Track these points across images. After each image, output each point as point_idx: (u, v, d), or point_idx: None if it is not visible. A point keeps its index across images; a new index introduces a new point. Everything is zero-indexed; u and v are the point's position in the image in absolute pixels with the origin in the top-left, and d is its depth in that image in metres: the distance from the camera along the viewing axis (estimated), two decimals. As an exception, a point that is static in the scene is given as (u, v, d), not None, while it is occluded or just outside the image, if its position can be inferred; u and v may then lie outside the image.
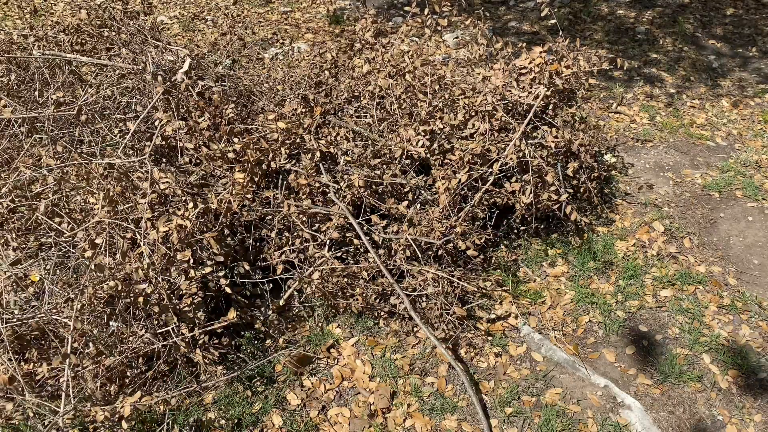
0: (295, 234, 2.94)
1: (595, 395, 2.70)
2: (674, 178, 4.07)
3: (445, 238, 2.90)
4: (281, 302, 2.99)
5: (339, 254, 2.99)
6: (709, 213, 3.77)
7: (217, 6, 6.54)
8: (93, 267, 2.41)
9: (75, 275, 2.68)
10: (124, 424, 2.27)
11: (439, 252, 3.02)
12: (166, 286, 2.54)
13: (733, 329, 3.01)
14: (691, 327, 3.01)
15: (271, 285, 2.98)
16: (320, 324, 3.01)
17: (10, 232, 2.67)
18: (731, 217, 3.74)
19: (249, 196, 2.87)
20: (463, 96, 3.24)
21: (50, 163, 2.69)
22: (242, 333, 2.87)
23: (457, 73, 3.50)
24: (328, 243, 2.92)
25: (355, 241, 2.98)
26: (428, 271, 2.83)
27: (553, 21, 6.05)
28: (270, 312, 3.01)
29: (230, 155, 2.92)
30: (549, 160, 3.24)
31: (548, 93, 3.27)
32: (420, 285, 2.86)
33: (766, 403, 2.69)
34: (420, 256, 2.89)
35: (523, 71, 3.35)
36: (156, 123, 2.92)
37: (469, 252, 2.93)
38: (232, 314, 2.58)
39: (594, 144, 3.48)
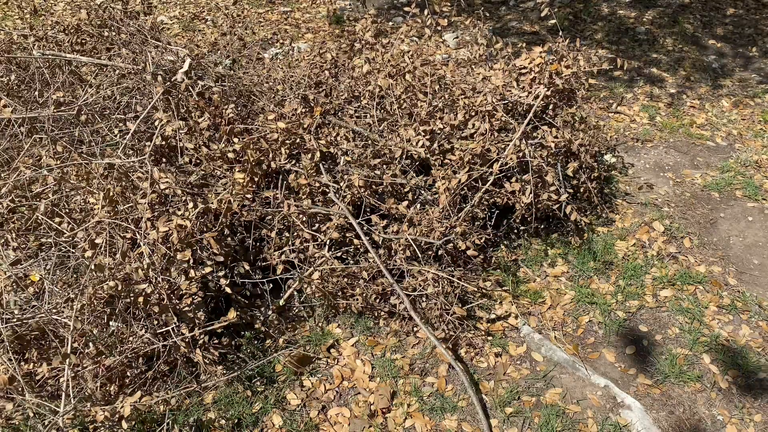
0: (295, 234, 2.94)
1: (595, 395, 2.70)
2: (674, 178, 4.07)
3: (445, 238, 2.90)
4: (281, 302, 2.99)
5: (339, 254, 2.99)
6: (709, 213, 3.77)
7: (217, 6, 6.54)
8: (93, 267, 2.41)
9: (75, 275, 2.68)
10: (124, 424, 2.27)
11: (439, 252, 3.02)
12: (166, 286, 2.54)
13: (733, 329, 3.01)
14: (691, 327, 3.01)
15: (271, 285, 2.98)
16: (320, 324, 3.01)
17: (10, 232, 2.67)
18: (731, 217, 3.74)
19: (249, 196, 2.87)
20: (463, 96, 3.24)
21: (50, 163, 2.69)
22: (242, 333, 2.87)
23: (457, 73, 3.50)
24: (328, 243, 2.92)
25: (355, 241, 2.98)
26: (428, 271, 2.83)
27: (553, 21, 6.05)
28: (270, 312, 3.01)
29: (230, 155, 2.92)
30: (549, 160, 3.24)
31: (548, 93, 3.27)
32: (420, 285, 2.86)
33: (766, 403, 2.69)
34: (420, 256, 2.89)
35: (523, 71, 3.35)
36: (156, 123, 2.92)
37: (469, 252, 2.93)
38: (232, 314, 2.58)
39: (594, 144, 3.48)
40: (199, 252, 2.70)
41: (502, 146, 3.12)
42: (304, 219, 2.93)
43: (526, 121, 3.11)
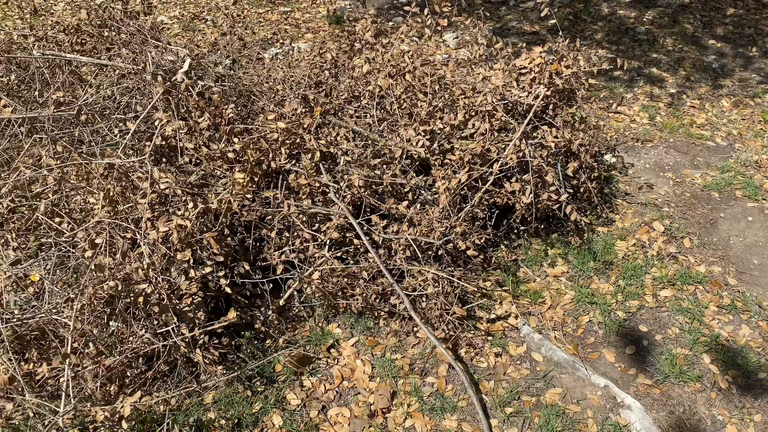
0: (295, 234, 2.94)
1: (595, 395, 2.70)
2: (674, 178, 4.07)
3: (445, 238, 2.90)
4: (281, 302, 2.99)
5: (339, 254, 2.99)
6: (709, 213, 3.77)
7: (217, 6, 6.54)
8: (93, 267, 2.41)
9: (75, 275, 2.68)
10: (124, 424, 2.27)
11: (439, 252, 3.02)
12: (166, 286, 2.54)
13: (733, 329, 3.01)
14: (691, 327, 3.01)
15: (271, 285, 2.98)
16: (320, 324, 3.01)
17: (10, 232, 2.67)
18: (731, 217, 3.74)
19: (249, 196, 2.87)
20: (463, 96, 3.24)
21: (50, 163, 2.69)
22: (242, 333, 2.87)
23: (457, 73, 3.50)
24: (328, 243, 2.92)
25: (355, 241, 2.98)
26: (428, 271, 2.83)
27: (553, 21, 6.05)
28: (270, 312, 3.01)
29: (230, 155, 2.92)
30: (549, 160, 3.24)
31: (548, 93, 3.27)
32: (420, 285, 2.86)
33: (766, 403, 2.69)
34: (420, 256, 2.89)
35: (523, 71, 3.35)
36: (156, 123, 2.92)
37: (469, 252, 2.93)
38: (232, 314, 2.58)
39: (594, 144, 3.48)
40: (199, 252, 2.70)
41: (502, 146, 3.12)
42: (304, 219, 2.93)
43: (526, 121, 3.11)
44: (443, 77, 3.38)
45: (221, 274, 2.74)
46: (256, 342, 2.88)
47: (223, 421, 2.55)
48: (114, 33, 3.59)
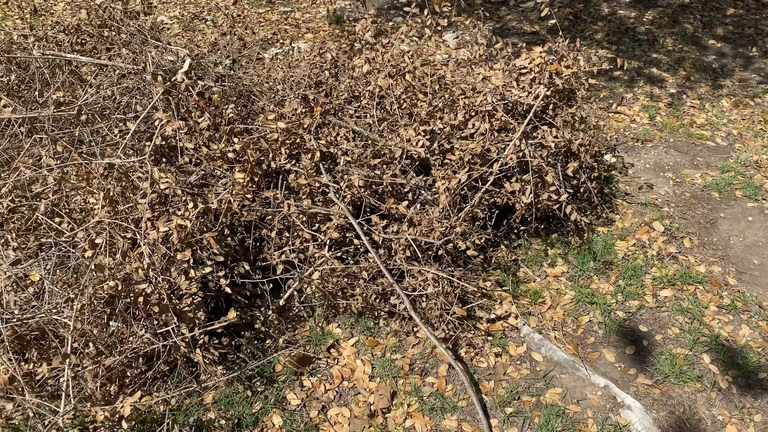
0: (295, 234, 2.94)
1: (595, 395, 2.70)
2: (674, 178, 4.07)
3: (445, 238, 2.90)
4: (281, 302, 2.99)
5: (339, 254, 2.99)
6: (709, 213, 3.77)
7: (217, 6, 6.54)
8: (93, 267, 2.41)
9: (75, 275, 2.68)
10: (124, 424, 2.27)
11: (439, 252, 3.02)
12: (166, 286, 2.54)
13: (733, 329, 3.01)
14: (691, 327, 3.01)
15: (271, 285, 2.98)
16: (320, 324, 3.01)
17: (10, 232, 2.67)
18: (731, 217, 3.74)
19: (249, 196, 2.87)
20: (463, 96, 3.24)
21: (50, 163, 2.69)
22: (242, 333, 2.87)
23: (457, 73, 3.50)
24: (328, 243, 2.92)
25: (355, 241, 2.98)
26: (428, 271, 2.83)
27: (553, 21, 6.05)
28: (270, 312, 3.01)
29: (230, 155, 2.92)
30: (549, 160, 3.24)
31: (548, 93, 3.27)
32: (420, 285, 2.86)
33: (766, 403, 2.69)
34: (420, 256, 2.89)
35: (523, 71, 3.35)
36: (156, 123, 2.92)
37: (469, 252, 2.93)
38: (232, 314, 2.58)
39: (594, 144, 3.48)
40: (199, 252, 2.70)
41: (502, 146, 3.12)
42: (304, 219, 2.93)
43: (526, 121, 3.11)
44: (443, 77, 3.37)
45: (221, 274, 2.74)
46: (256, 342, 2.88)
47: (223, 421, 2.55)
48: (114, 33, 3.58)
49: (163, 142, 2.95)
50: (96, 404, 2.33)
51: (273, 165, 2.99)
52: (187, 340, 2.56)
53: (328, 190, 3.01)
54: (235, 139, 2.98)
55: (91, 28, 3.59)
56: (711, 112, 4.81)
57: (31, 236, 2.73)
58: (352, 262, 3.03)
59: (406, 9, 3.81)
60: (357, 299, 2.90)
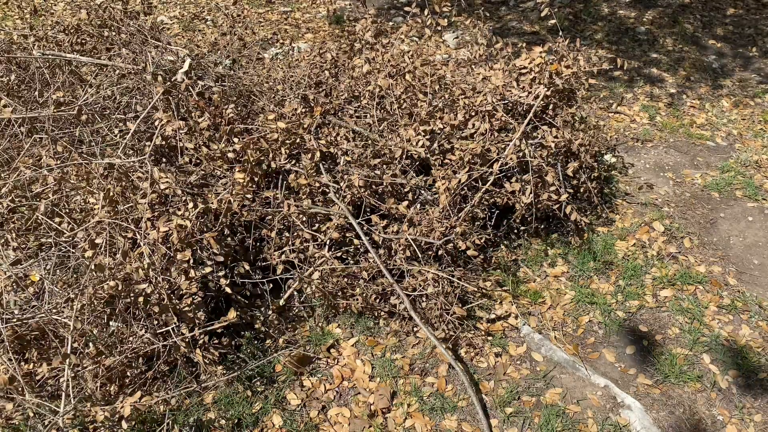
0: (295, 234, 2.94)
1: (595, 395, 2.70)
2: (674, 178, 4.07)
3: (445, 238, 2.90)
4: (281, 302, 2.99)
5: (339, 254, 2.99)
6: (709, 213, 3.77)
7: (217, 6, 6.54)
8: (93, 267, 2.41)
9: (75, 275, 2.68)
10: (124, 424, 2.28)
11: (439, 252, 3.02)
12: (166, 286, 2.54)
13: (733, 329, 3.01)
14: (691, 327, 3.01)
15: (271, 285, 2.98)
16: (320, 324, 3.01)
17: (10, 232, 2.67)
18: (731, 217, 3.74)
19: (249, 196, 2.87)
20: (463, 96, 3.24)
21: (50, 163, 2.69)
22: (242, 333, 2.87)
23: (457, 73, 3.50)
24: (328, 243, 2.92)
25: (355, 241, 2.98)
26: (428, 271, 2.83)
27: (553, 21, 6.05)
28: (270, 312, 3.01)
29: (230, 155, 2.92)
30: (549, 160, 3.24)
31: (548, 93, 3.27)
32: (420, 285, 2.86)
33: (766, 403, 2.69)
34: (420, 256, 2.89)
35: (523, 71, 3.35)
36: (156, 123, 2.92)
37: (469, 252, 2.93)
38: (232, 314, 2.58)
39: (594, 144, 3.48)
40: (199, 252, 2.70)
41: (502, 146, 3.12)
42: (304, 219, 2.93)
43: (526, 121, 3.11)
44: (443, 77, 3.37)
45: (221, 274, 2.74)
46: (256, 342, 2.88)
47: (223, 421, 2.55)
48: (114, 33, 3.58)
49: (163, 142, 2.95)
50: (96, 404, 2.33)
51: (273, 165, 2.99)
52: (187, 340, 2.56)
53: (328, 190, 3.01)
54: (235, 139, 2.98)
55: (91, 28, 3.59)
56: (711, 112, 4.81)
57: (31, 236, 2.73)
58: (352, 262, 3.03)
59: (406, 9, 3.81)
60: (357, 299, 2.90)
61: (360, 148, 3.10)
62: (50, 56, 3.35)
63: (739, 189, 3.95)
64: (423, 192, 3.12)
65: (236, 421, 2.56)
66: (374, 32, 3.66)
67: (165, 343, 2.55)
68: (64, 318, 2.45)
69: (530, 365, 2.85)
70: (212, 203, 2.73)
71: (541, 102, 3.24)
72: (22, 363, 2.49)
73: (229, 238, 2.89)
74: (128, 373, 2.60)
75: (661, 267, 3.33)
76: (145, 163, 2.72)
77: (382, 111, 3.29)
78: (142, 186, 2.68)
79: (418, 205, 3.07)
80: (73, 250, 2.70)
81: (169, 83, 2.96)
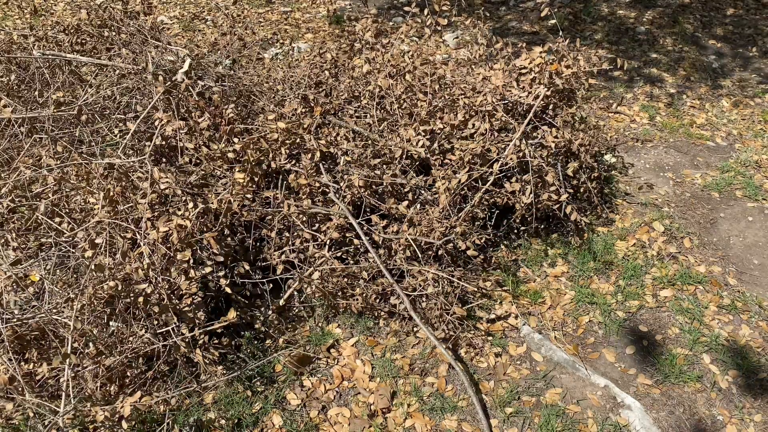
0: (295, 234, 2.94)
1: (595, 395, 2.70)
2: (674, 178, 4.07)
3: (445, 238, 2.90)
4: (281, 302, 2.99)
5: (339, 254, 2.99)
6: (709, 213, 3.77)
7: (217, 6, 6.54)
8: (93, 267, 2.41)
9: (75, 275, 2.68)
10: (124, 424, 2.28)
11: (439, 252, 3.02)
12: (166, 286, 2.54)
13: (733, 329, 3.01)
14: (691, 327, 3.01)
15: (271, 285, 2.98)
16: (320, 324, 3.01)
17: (10, 232, 2.67)
18: (731, 217, 3.74)
19: (249, 196, 2.87)
20: (463, 96, 3.24)
21: (50, 163, 2.69)
22: (242, 333, 2.87)
23: (457, 73, 3.50)
24: (328, 243, 2.92)
25: (355, 241, 2.98)
26: (428, 271, 2.83)
27: (553, 21, 6.05)
28: (270, 312, 3.01)
29: (230, 155, 2.92)
30: (549, 160, 3.24)
31: (548, 93, 3.27)
32: (420, 285, 2.86)
33: (766, 403, 2.69)
34: (420, 256, 2.89)
35: (523, 71, 3.35)
36: (156, 123, 2.92)
37: (469, 252, 2.93)
38: (232, 314, 2.58)
39: (594, 144, 3.48)
40: (199, 252, 2.70)
41: (502, 146, 3.12)
42: (304, 219, 2.93)
43: (526, 121, 3.11)
44: (443, 77, 3.38)
45: (221, 274, 2.74)
46: (256, 342, 2.88)
47: (223, 421, 2.55)
48: (114, 33, 3.58)
49: (163, 142, 2.95)
50: (96, 404, 2.33)
51: (273, 165, 2.99)
52: (187, 340, 2.56)
53: (328, 190, 3.01)
54: (235, 139, 2.98)
55: (91, 28, 3.59)
56: (711, 112, 4.81)
57: (31, 236, 2.73)
58: (352, 262, 3.03)
59: (406, 9, 3.81)
60: (357, 299, 2.90)
61: (360, 148, 3.10)
62: (50, 56, 3.35)
63: (739, 189, 3.95)
64: (423, 192, 3.12)
65: (236, 421, 2.56)
66: (374, 32, 3.66)
67: (165, 343, 2.55)
68: (64, 318, 2.45)
69: (530, 365, 2.85)
70: (212, 203, 2.73)
71: (541, 102, 3.24)
72: (22, 363, 2.49)
73: (229, 238, 2.89)
74: (128, 373, 2.60)
75: (661, 267, 3.33)
76: (145, 163, 2.72)
77: (382, 111, 3.29)
78: (142, 186, 2.68)
79: (418, 205, 3.07)
80: (73, 250, 2.70)
81: (169, 83, 2.96)
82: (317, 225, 2.97)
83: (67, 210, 2.72)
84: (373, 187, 3.05)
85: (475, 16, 3.70)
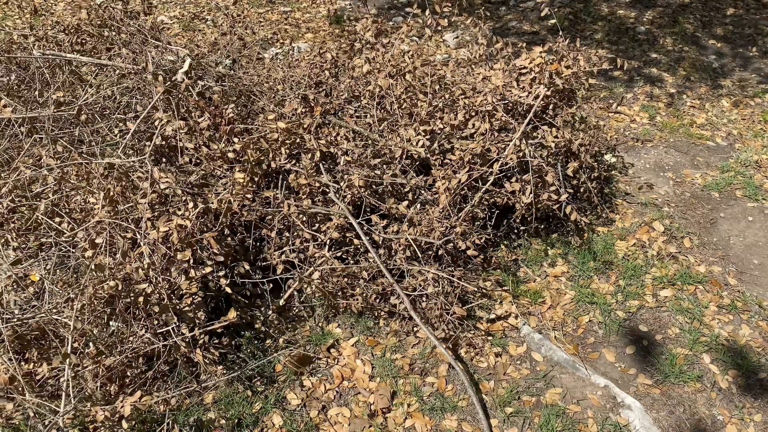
0: (295, 234, 2.94)
1: (595, 395, 2.70)
2: (674, 178, 4.07)
3: (445, 238, 2.90)
4: (281, 302, 2.99)
5: (339, 254, 2.99)
6: (709, 213, 3.77)
7: (217, 6, 6.54)
8: (93, 267, 2.41)
9: (75, 275, 2.68)
10: (124, 424, 2.28)
11: (439, 252, 3.02)
12: (167, 286, 2.54)
13: (733, 329, 3.01)
14: (691, 327, 3.01)
15: (271, 285, 2.98)
16: (320, 324, 3.01)
17: (10, 232, 2.67)
18: (731, 217, 3.74)
19: (249, 196, 2.87)
20: (463, 96, 3.24)
21: (50, 163, 2.69)
22: (242, 333, 2.87)
23: (457, 73, 3.50)
24: (328, 243, 2.92)
25: (355, 241, 2.98)
26: (428, 271, 2.83)
27: (553, 21, 6.05)
28: (270, 312, 3.01)
29: (230, 155, 2.92)
30: (549, 160, 3.24)
31: (548, 93, 3.27)
32: (420, 285, 2.86)
33: (766, 403, 2.69)
34: (420, 256, 2.89)
35: (523, 71, 3.35)
36: (156, 123, 2.92)
37: (469, 252, 2.93)
38: (232, 314, 2.58)
39: (594, 144, 3.48)
40: (199, 252, 2.70)
41: (502, 146, 3.12)
42: (304, 219, 2.93)
43: (526, 121, 3.11)
44: (443, 77, 3.37)
45: (221, 274, 2.74)
46: (256, 342, 2.88)
47: (223, 421, 2.55)
48: (114, 33, 3.58)
49: (163, 142, 2.95)
50: (96, 404, 2.33)
51: (273, 165, 2.99)
52: (187, 340, 2.56)
53: (328, 190, 3.01)
54: (235, 139, 2.98)
55: (91, 28, 3.59)
56: (711, 112, 4.81)
57: (31, 236, 2.73)
58: (352, 262, 3.04)
59: (407, 9, 3.81)
60: (357, 299, 2.90)
61: (360, 148, 3.10)
62: (50, 56, 3.35)
63: (739, 189, 3.95)
64: (423, 192, 3.12)
65: (236, 421, 2.56)
66: (374, 32, 3.66)
67: (165, 343, 2.55)
68: (64, 318, 2.45)
69: (530, 365, 2.85)
70: (212, 203, 2.73)
71: (541, 102, 3.24)
72: (22, 363, 2.49)
73: (229, 238, 2.89)
74: (128, 373, 2.60)
75: (661, 267, 3.33)
76: (145, 163, 2.72)
77: (382, 111, 3.29)
78: (142, 186, 2.68)
79: (418, 205, 3.07)
80: (73, 250, 2.70)
81: (169, 83, 2.96)
82: (317, 225, 2.97)
83: (67, 210, 2.72)
84: (373, 187, 3.05)
85: (475, 16, 3.70)
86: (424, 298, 2.88)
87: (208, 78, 3.39)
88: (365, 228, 2.94)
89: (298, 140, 3.08)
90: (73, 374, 2.34)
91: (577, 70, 3.33)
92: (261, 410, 2.62)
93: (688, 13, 6.16)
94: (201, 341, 2.63)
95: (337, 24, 6.15)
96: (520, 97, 3.24)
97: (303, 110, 3.13)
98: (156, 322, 2.59)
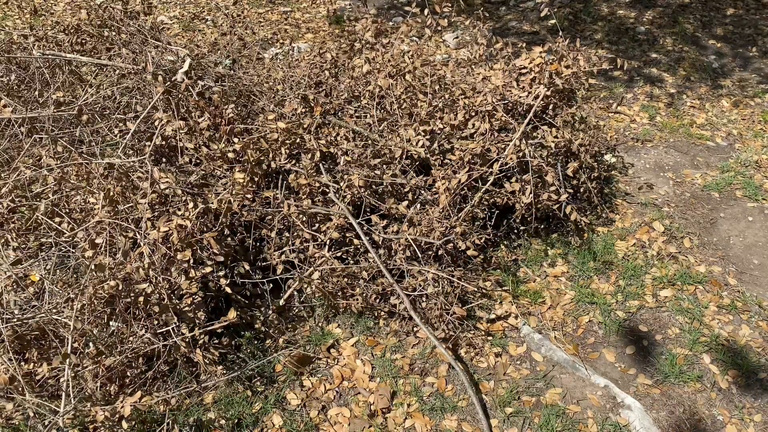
0: (295, 234, 2.94)
1: (595, 395, 2.70)
2: (674, 178, 4.07)
3: (445, 238, 2.90)
4: (281, 302, 2.99)
5: (339, 254, 2.99)
6: (709, 213, 3.77)
7: (217, 6, 6.54)
8: (93, 267, 2.41)
9: (75, 275, 2.68)
10: (124, 424, 2.27)
11: (439, 252, 3.02)
12: (167, 286, 2.54)
13: (733, 329, 3.01)
14: (691, 327, 3.01)
15: (271, 285, 2.98)
16: (320, 324, 3.01)
17: (10, 232, 2.67)
18: (731, 217, 3.74)
19: (249, 196, 2.87)
20: (463, 96, 3.24)
21: (50, 163, 2.69)
22: (242, 333, 2.87)
23: (457, 73, 3.50)
24: (328, 243, 2.92)
25: (355, 241, 2.98)
26: (428, 271, 2.83)
27: (553, 21, 6.05)
28: (270, 312, 3.01)
29: (230, 155, 2.92)
30: (549, 160, 3.24)
31: (548, 93, 3.27)
32: (420, 285, 2.86)
33: (766, 403, 2.69)
34: (420, 256, 2.89)
35: (523, 71, 3.35)
36: (156, 123, 2.92)
37: (469, 252, 2.93)
38: (232, 314, 2.58)
39: (594, 144, 3.48)
40: (199, 252, 2.70)
41: (502, 146, 3.12)
42: (304, 219, 2.93)
43: (526, 121, 3.11)
44: (443, 77, 3.38)
45: (221, 274, 2.74)
46: (256, 342, 2.88)
47: (223, 421, 2.55)
48: (114, 33, 3.58)
49: (163, 142, 2.95)
50: (96, 404, 2.33)
51: (273, 165, 2.99)
52: (187, 340, 2.56)
53: (328, 190, 3.01)
54: (235, 139, 2.98)
55: (91, 28, 3.59)
56: (711, 112, 4.81)
57: (31, 236, 2.73)
58: (352, 262, 3.04)
59: (406, 9, 3.81)
60: (357, 299, 2.90)
61: (360, 148, 3.10)
62: (50, 56, 3.35)
63: (739, 189, 3.95)
64: (423, 192, 3.12)
65: (236, 421, 2.56)
66: (374, 32, 3.66)
67: (165, 343, 2.55)
68: (64, 318, 2.45)
69: (530, 365, 2.85)
70: (212, 203, 2.73)
71: (541, 102, 3.24)
72: (22, 363, 2.49)
73: (229, 238, 2.89)
74: (128, 373, 2.60)
75: (661, 267, 3.33)
76: (145, 163, 2.72)
77: (382, 111, 3.29)
78: (142, 186, 2.68)
79: (418, 205, 3.07)
80: (73, 250, 2.70)
81: (169, 83, 2.96)
82: (317, 225, 2.97)
83: (67, 210, 2.72)
84: (373, 187, 3.05)
85: (475, 16, 3.70)
86: (424, 298, 2.88)
87: (208, 78, 3.39)
88: (365, 228, 2.94)
89: (298, 140, 3.08)
90: (73, 374, 2.34)
91: (576, 70, 3.33)
92: (261, 410, 2.62)
93: (688, 13, 6.16)
94: (201, 341, 2.63)
95: (337, 24, 6.15)
96: (520, 97, 3.24)
97: (303, 110, 3.13)
98: (156, 322, 2.59)
